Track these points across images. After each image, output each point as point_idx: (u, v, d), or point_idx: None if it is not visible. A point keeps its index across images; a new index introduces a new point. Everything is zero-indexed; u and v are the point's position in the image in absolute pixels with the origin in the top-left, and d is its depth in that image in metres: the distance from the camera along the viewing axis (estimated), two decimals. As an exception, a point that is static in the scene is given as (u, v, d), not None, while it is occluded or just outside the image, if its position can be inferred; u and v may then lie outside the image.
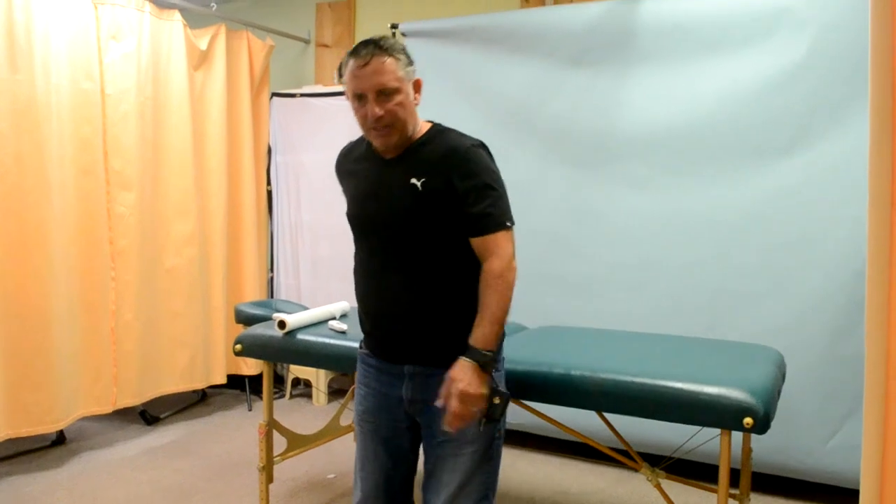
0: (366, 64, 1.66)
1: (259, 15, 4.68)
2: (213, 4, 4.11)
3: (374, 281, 1.83)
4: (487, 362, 1.66)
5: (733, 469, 2.27)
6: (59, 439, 3.61)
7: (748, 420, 1.83)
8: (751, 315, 3.07)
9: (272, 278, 4.67)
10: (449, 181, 1.70)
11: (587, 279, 3.37)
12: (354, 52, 1.69)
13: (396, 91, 1.68)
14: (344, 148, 1.98)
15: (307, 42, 4.70)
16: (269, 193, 4.61)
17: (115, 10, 3.56)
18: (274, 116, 4.60)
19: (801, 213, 2.98)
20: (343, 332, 2.59)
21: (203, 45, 4.02)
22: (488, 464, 1.82)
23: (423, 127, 1.80)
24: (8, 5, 3.10)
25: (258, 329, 2.72)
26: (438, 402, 1.68)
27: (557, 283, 3.41)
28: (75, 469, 3.31)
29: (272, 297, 4.63)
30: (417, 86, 1.76)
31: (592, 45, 3.35)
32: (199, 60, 4.02)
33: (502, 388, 1.82)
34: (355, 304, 3.11)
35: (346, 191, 1.93)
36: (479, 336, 1.68)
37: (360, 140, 1.90)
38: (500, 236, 1.71)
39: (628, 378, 2.02)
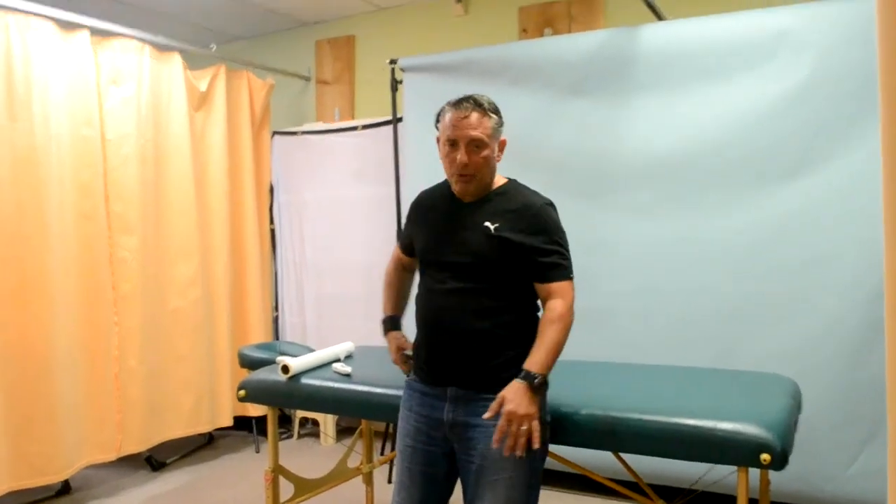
0: (465, 117, 1.87)
1: (259, 54, 4.69)
2: (212, 45, 4.13)
3: (434, 306, 1.97)
4: (539, 385, 1.81)
5: (752, 500, 2.20)
6: (64, 489, 3.54)
7: (765, 456, 1.78)
8: (762, 341, 3.02)
9: (277, 317, 4.63)
10: (520, 231, 1.89)
11: (592, 309, 3.27)
12: (456, 104, 1.90)
13: (486, 146, 1.89)
14: (423, 191, 2.17)
15: (307, 79, 4.70)
16: (272, 232, 4.59)
17: (115, 55, 3.56)
18: (275, 155, 4.58)
19: (808, 236, 2.94)
20: (347, 375, 2.54)
21: (203, 86, 4.02)
22: (528, 491, 1.87)
23: (499, 180, 2.00)
24: (7, 52, 3.11)
25: (261, 374, 2.68)
26: (486, 415, 1.81)
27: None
28: (80, 520, 3.26)
29: (277, 336, 4.58)
30: (502, 145, 1.97)
31: (592, 74, 3.33)
32: (200, 101, 4.02)
33: (544, 416, 1.90)
34: (360, 344, 3.09)
35: (418, 224, 2.10)
36: (535, 361, 1.83)
37: (438, 185, 2.10)
38: (566, 284, 1.91)
39: (639, 416, 1.97)
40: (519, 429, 1.77)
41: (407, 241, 2.19)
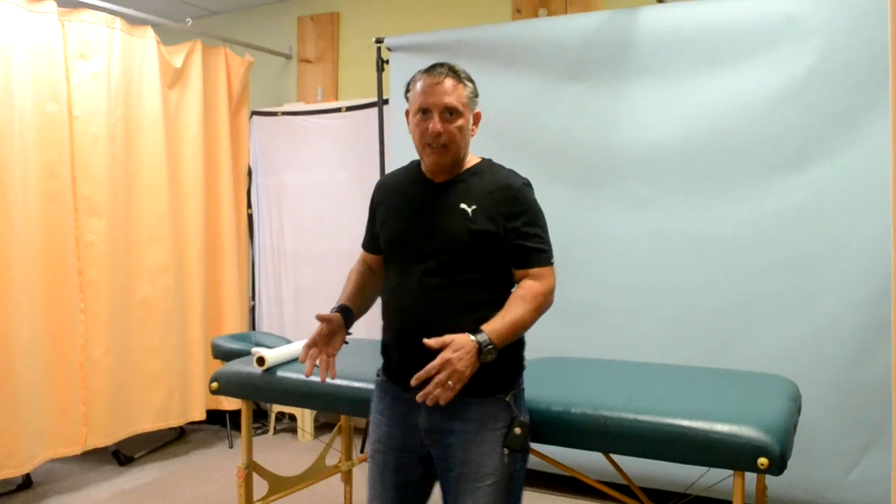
0: (438, 83, 1.75)
1: (237, 30, 4.56)
2: (188, 20, 4.01)
3: (406, 300, 1.81)
4: (487, 353, 1.65)
5: None
6: (26, 483, 3.41)
7: (763, 461, 1.72)
8: (761, 340, 2.95)
9: (253, 307, 4.52)
10: (500, 214, 1.77)
11: (586, 305, 3.24)
12: (429, 70, 1.78)
13: (460, 115, 1.77)
14: (387, 174, 2.05)
15: (288, 57, 4.57)
16: (250, 217, 4.48)
17: (84, 27, 3.42)
18: (254, 136, 4.47)
19: (811, 231, 2.88)
20: None
21: (178, 62, 3.88)
22: (510, 497, 1.78)
23: (472, 159, 1.88)
24: (-34, 23, 2.95)
25: (235, 366, 2.57)
26: (428, 342, 1.63)
27: (554, 309, 3.22)
28: (41, 517, 3.12)
29: (254, 327, 4.48)
30: (477, 118, 1.85)
31: (589, 57, 3.23)
32: (174, 79, 3.88)
33: (524, 417, 1.81)
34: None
35: (384, 210, 1.93)
36: (494, 328, 1.68)
37: (403, 167, 1.97)
38: (547, 270, 1.82)
39: (632, 416, 1.90)
40: (446, 382, 1.61)
41: (372, 234, 2.00)
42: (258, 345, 2.88)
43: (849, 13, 2.77)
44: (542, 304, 1.77)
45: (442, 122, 1.74)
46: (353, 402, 2.29)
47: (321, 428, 4.27)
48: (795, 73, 2.86)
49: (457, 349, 1.62)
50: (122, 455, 3.75)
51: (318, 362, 1.89)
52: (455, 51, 3.50)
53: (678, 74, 3.07)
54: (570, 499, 3.29)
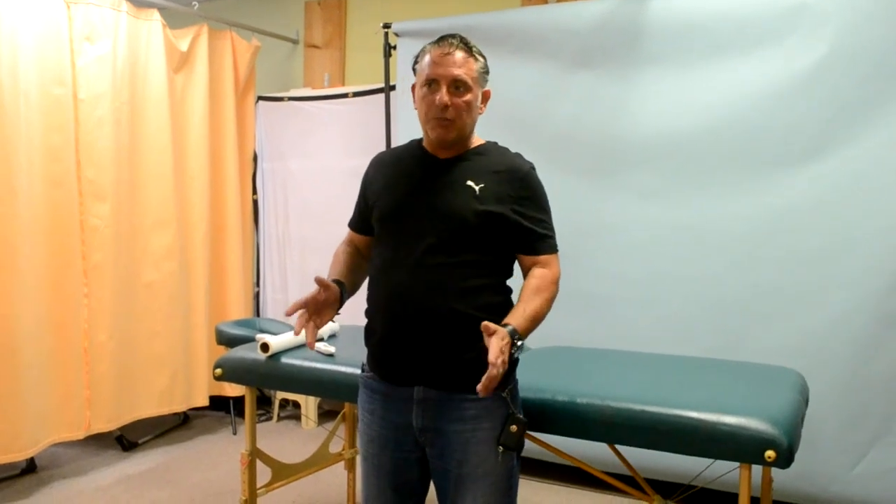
0: (448, 53, 1.66)
1: (244, 14, 4.51)
2: (194, 3, 3.96)
3: (397, 282, 1.71)
4: (517, 349, 1.59)
5: (753, 498, 2.12)
6: (29, 468, 3.42)
7: (770, 453, 1.71)
8: (769, 333, 2.93)
9: (258, 293, 4.51)
10: (509, 196, 1.70)
11: (594, 295, 3.22)
12: (439, 41, 1.69)
13: (469, 89, 1.68)
14: (384, 151, 1.98)
15: (295, 42, 4.55)
16: (255, 203, 4.46)
17: (89, 10, 3.39)
18: (260, 121, 4.44)
19: (822, 225, 2.85)
20: (331, 355, 2.42)
21: (184, 46, 3.85)
22: (507, 495, 1.74)
23: (477, 139, 1.81)
24: (-30, 2, 2.93)
25: (239, 352, 2.56)
26: (486, 324, 1.52)
27: (562, 299, 3.20)
28: (45, 500, 3.13)
29: (258, 313, 4.47)
30: (486, 96, 1.77)
31: (598, 45, 3.20)
32: (180, 62, 3.85)
33: (520, 414, 1.74)
34: (344, 324, 2.93)
35: (379, 185, 1.83)
36: (520, 323, 1.60)
37: (402, 145, 1.91)
38: (555, 258, 1.78)
39: (639, 407, 1.89)
40: (499, 372, 1.47)
41: (362, 212, 1.89)
42: (262, 331, 2.86)
43: (863, 2, 2.73)
44: (555, 293, 1.73)
45: (450, 95, 1.65)
46: (357, 390, 2.28)
47: (325, 415, 4.26)
48: (807, 63, 2.82)
49: (503, 338, 1.51)
50: (126, 440, 3.76)
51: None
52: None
53: (689, 63, 3.03)
54: (573, 489, 3.28)
